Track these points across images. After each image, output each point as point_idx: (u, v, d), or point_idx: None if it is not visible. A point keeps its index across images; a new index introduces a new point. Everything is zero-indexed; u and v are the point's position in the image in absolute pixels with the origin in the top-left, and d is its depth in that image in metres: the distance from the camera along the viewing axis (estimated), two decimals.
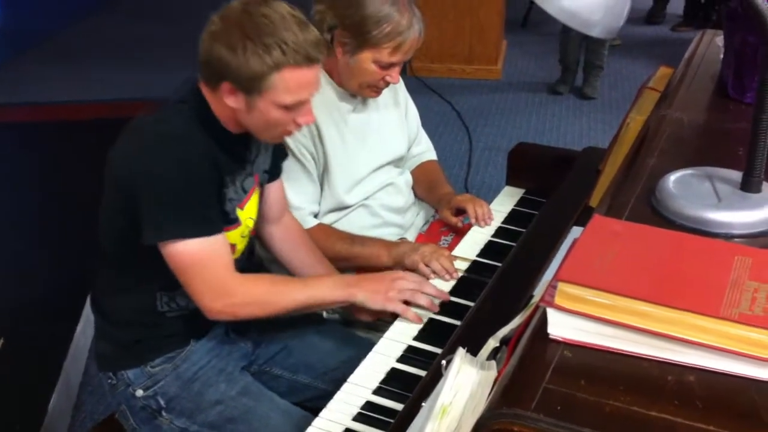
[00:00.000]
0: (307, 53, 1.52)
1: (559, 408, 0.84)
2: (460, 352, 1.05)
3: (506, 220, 2.14)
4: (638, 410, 0.84)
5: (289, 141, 1.98)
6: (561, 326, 0.92)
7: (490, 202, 2.26)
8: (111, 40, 6.39)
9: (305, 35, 1.52)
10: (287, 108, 1.55)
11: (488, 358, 1.12)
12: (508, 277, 1.76)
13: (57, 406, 2.46)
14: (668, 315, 0.88)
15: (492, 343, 1.13)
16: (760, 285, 0.91)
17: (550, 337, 0.93)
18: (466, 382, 0.99)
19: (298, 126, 1.62)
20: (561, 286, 0.90)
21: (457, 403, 0.96)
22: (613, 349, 0.91)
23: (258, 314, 1.65)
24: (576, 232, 1.82)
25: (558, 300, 0.91)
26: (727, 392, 0.88)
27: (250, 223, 1.76)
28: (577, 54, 5.13)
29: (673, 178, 1.25)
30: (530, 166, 2.33)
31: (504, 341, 1.15)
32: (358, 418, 1.47)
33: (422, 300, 1.72)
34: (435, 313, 1.72)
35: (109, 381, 1.74)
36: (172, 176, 1.52)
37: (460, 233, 2.13)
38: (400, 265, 1.97)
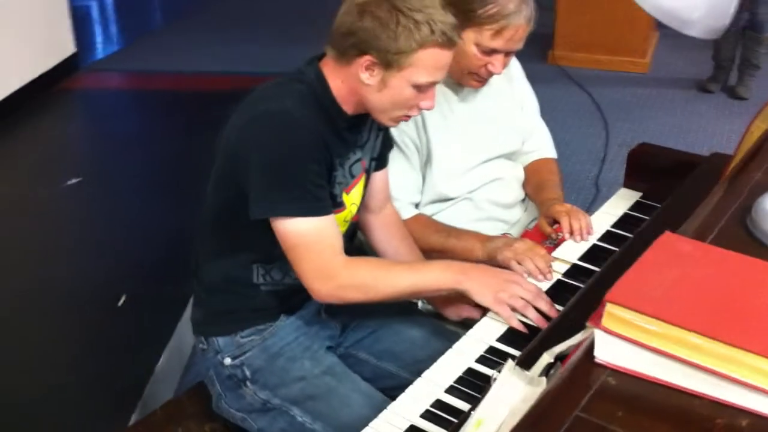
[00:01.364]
0: (451, 35, 1.54)
1: None
2: (509, 364, 1.01)
3: (616, 224, 2.04)
4: None
5: (393, 129, 1.96)
6: (608, 350, 0.87)
7: None
8: (267, 12, 6.56)
9: (448, 17, 1.54)
10: (419, 88, 1.56)
11: (541, 374, 1.07)
12: (602, 284, 1.67)
13: (164, 367, 2.57)
14: (721, 351, 0.82)
15: (546, 357, 1.09)
16: None
17: (596, 360, 0.88)
18: (509, 397, 0.96)
19: (419, 110, 1.63)
20: (609, 307, 0.85)
21: (495, 417, 0.92)
22: (660, 380, 0.85)
23: (363, 298, 1.65)
24: None
25: (605, 322, 0.86)
26: None
27: (354, 209, 1.77)
28: (732, 51, 4.85)
29: None
30: (650, 169, 2.22)
31: (560, 357, 1.10)
32: (426, 415, 1.45)
33: (531, 314, 1.64)
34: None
35: (201, 346, 1.80)
36: (286, 153, 1.55)
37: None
38: (492, 260, 1.92)
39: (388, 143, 1.89)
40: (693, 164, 2.16)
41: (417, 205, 2.07)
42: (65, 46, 5.35)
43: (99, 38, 6.60)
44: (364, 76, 1.56)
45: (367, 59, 1.54)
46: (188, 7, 6.86)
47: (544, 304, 1.65)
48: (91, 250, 3.41)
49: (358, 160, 1.74)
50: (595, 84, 5.04)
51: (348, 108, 1.64)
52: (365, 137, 1.76)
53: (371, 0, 1.52)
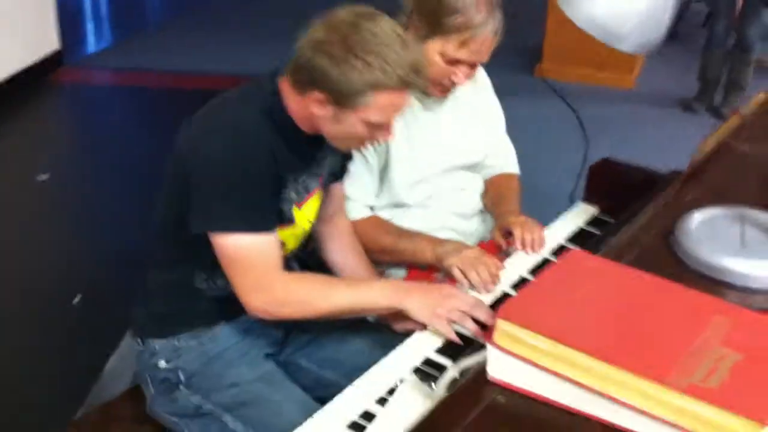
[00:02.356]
0: (406, 76, 1.51)
1: None
2: (410, 378, 0.98)
3: (570, 239, 2.01)
4: None
5: None
6: (500, 367, 0.84)
7: None
8: (260, 12, 6.53)
9: (407, 57, 1.51)
10: (373, 125, 1.55)
11: (448, 389, 1.04)
12: None
13: (113, 368, 2.54)
14: (611, 373, 0.78)
15: (452, 372, 1.05)
16: (728, 353, 0.80)
17: (488, 377, 0.85)
18: (408, 412, 0.92)
19: (376, 141, 1.63)
20: (500, 323, 0.82)
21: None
22: (551, 401, 0.82)
23: (299, 315, 1.63)
24: None
25: (497, 338, 0.82)
26: None
27: (307, 225, 1.74)
28: (718, 71, 4.83)
29: (699, 216, 1.13)
30: (610, 185, 2.20)
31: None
32: (354, 426, 1.42)
33: (470, 325, 1.59)
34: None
35: (137, 347, 1.77)
36: (229, 165, 1.53)
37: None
38: (440, 264, 1.90)
39: (349, 155, 1.87)
40: (654, 181, 2.13)
41: (372, 209, 2.05)
42: (49, 42, 5.31)
43: (87, 35, 6.56)
44: (316, 109, 1.54)
45: (318, 95, 1.52)
46: (182, 6, 6.82)
47: (483, 314, 1.60)
48: (51, 248, 3.38)
49: (315, 175, 1.72)
50: (580, 99, 5.01)
51: (305, 127, 1.62)
52: (326, 153, 1.73)
53: (326, 37, 1.50)
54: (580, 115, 4.79)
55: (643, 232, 1.15)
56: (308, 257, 2.04)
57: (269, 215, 1.59)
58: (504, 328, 0.82)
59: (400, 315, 1.81)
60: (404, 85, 1.51)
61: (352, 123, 1.54)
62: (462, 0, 1.82)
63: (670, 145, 4.48)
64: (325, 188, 1.81)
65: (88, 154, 4.31)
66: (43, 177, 3.90)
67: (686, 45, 5.90)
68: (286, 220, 1.65)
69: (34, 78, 5.07)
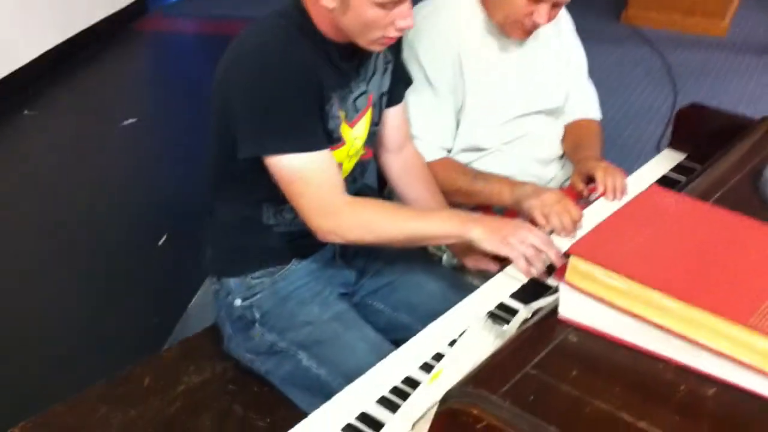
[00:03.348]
0: None
1: (531, 398, 0.74)
2: (481, 318, 0.96)
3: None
4: (624, 417, 0.73)
5: (428, 68, 1.91)
6: (572, 307, 0.82)
7: None
8: None
9: None
10: (382, 5, 1.48)
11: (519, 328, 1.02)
12: None
13: (197, 305, 2.59)
14: (690, 314, 0.75)
15: (524, 313, 1.03)
16: None
17: (559, 317, 0.82)
18: (476, 351, 0.91)
19: (399, 30, 1.54)
20: (573, 260, 0.79)
21: (455, 370, 0.88)
22: (624, 341, 0.79)
23: (367, 239, 1.60)
24: None
25: (569, 276, 0.80)
26: (746, 416, 0.74)
27: (358, 144, 1.72)
28: None
29: None
30: (698, 131, 2.10)
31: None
32: (424, 367, 1.41)
33: (539, 264, 1.54)
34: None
35: (214, 286, 1.79)
36: (269, 88, 1.50)
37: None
38: (518, 207, 1.84)
39: (402, 77, 1.83)
40: (744, 127, 2.03)
41: (449, 152, 2.01)
42: None
43: None
44: (326, 1, 1.50)
45: None
46: None
47: (555, 255, 1.54)
48: (137, 190, 3.46)
49: (363, 93, 1.68)
50: (668, 46, 4.83)
51: (337, 37, 1.58)
52: (371, 70, 1.70)
53: None
54: (669, 63, 4.62)
55: (729, 174, 1.10)
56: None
57: (317, 133, 1.55)
58: (577, 265, 0.79)
59: (474, 251, 1.79)
60: None
61: (361, 6, 1.47)
62: None
63: (763, 94, 4.30)
64: (380, 110, 1.76)
65: (171, 100, 4.38)
66: (130, 121, 3.98)
67: None
68: (335, 139, 1.62)
69: (118, 26, 5.16)
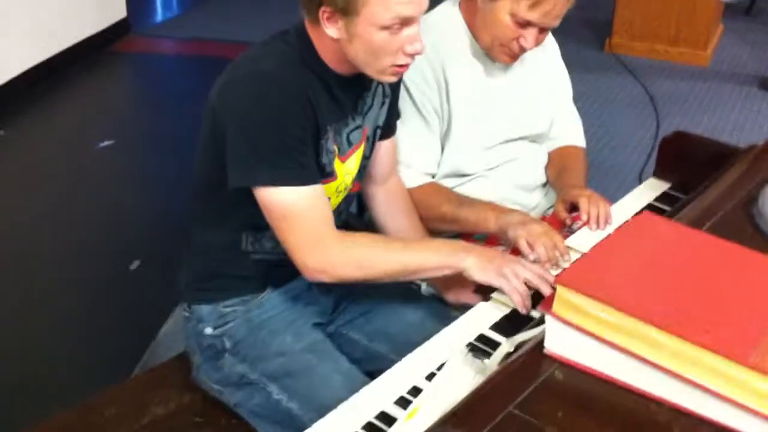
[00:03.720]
0: None
1: None
2: (461, 351, 0.90)
3: (638, 214, 1.90)
4: None
5: (414, 92, 1.88)
6: (559, 340, 0.76)
7: None
8: None
9: None
10: (389, 29, 1.43)
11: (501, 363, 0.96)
12: None
13: (168, 332, 2.52)
14: (684, 350, 0.69)
15: (506, 347, 0.97)
16: None
17: (544, 352, 0.76)
18: (455, 387, 0.85)
19: (408, 55, 1.49)
20: (560, 290, 0.73)
21: (432, 408, 0.82)
22: (613, 379, 0.73)
23: (357, 276, 1.54)
24: None
25: (556, 307, 0.74)
26: None
27: (349, 180, 1.67)
28: None
29: None
30: (683, 159, 2.07)
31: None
32: (402, 401, 1.35)
33: (544, 287, 1.47)
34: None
35: (184, 313, 1.73)
36: (266, 116, 1.45)
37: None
38: (504, 235, 1.80)
39: (395, 112, 1.79)
40: (729, 156, 2.00)
41: (433, 177, 1.97)
42: (116, 10, 5.33)
43: (154, 4, 6.59)
44: (330, 30, 1.46)
45: (324, 11, 1.44)
46: None
47: (548, 289, 1.49)
48: (111, 213, 3.39)
49: (359, 127, 1.64)
50: (651, 75, 4.83)
51: (340, 68, 1.54)
52: (369, 103, 1.66)
53: None
54: (652, 92, 4.61)
55: (721, 201, 1.06)
56: (363, 228, 1.98)
57: (311, 166, 1.50)
58: (564, 296, 0.73)
59: (455, 284, 1.74)
60: None
61: (367, 32, 1.42)
62: None
63: (745, 124, 4.30)
64: (372, 144, 1.72)
65: (152, 122, 4.31)
66: (107, 143, 3.91)
67: (764, 21, 5.65)
68: (327, 173, 1.57)
69: (99, 47, 5.10)
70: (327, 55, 1.52)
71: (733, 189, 1.09)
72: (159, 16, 6.21)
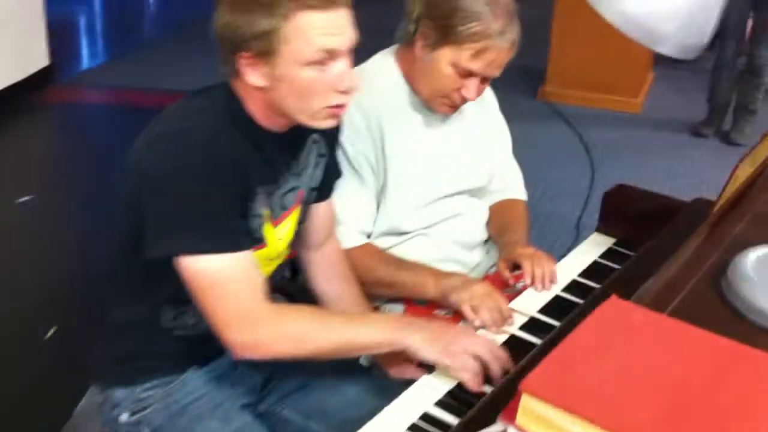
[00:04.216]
0: None
1: None
2: None
3: (584, 273, 1.82)
4: None
5: (347, 146, 1.78)
6: None
7: None
8: None
9: None
10: (315, 66, 1.32)
11: None
12: (555, 343, 1.44)
13: (85, 409, 2.32)
14: None
15: None
16: None
17: None
18: None
19: (341, 93, 1.37)
20: (525, 399, 0.62)
21: None
22: None
23: (291, 353, 1.40)
24: None
25: (520, 419, 0.63)
26: None
27: (281, 246, 1.54)
28: (728, 95, 4.67)
29: (754, 255, 0.94)
30: (627, 213, 2.01)
31: None
32: None
33: (494, 366, 1.38)
34: None
35: (97, 398, 1.57)
36: (188, 179, 1.32)
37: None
38: (445, 300, 1.71)
39: (334, 171, 1.68)
40: (674, 210, 1.95)
41: (369, 236, 1.86)
42: (38, 58, 5.14)
43: (80, 51, 6.41)
44: (253, 77, 1.34)
45: (242, 58, 1.33)
46: (180, 24, 6.67)
47: (497, 368, 1.40)
48: (26, 274, 3.18)
49: (293, 189, 1.52)
50: (585, 123, 4.85)
51: (272, 124, 1.42)
52: (303, 163, 1.54)
53: None
54: (586, 140, 4.62)
55: (686, 274, 0.97)
56: (298, 293, 1.86)
57: (240, 232, 1.37)
58: (529, 405, 0.63)
59: (397, 358, 1.62)
60: (324, 3, 1.29)
61: (292, 72, 1.32)
62: (477, 6, 1.66)
63: (680, 170, 4.32)
64: (307, 206, 1.61)
65: (75, 176, 4.12)
66: (25, 199, 3.70)
67: (694, 68, 5.74)
68: (256, 240, 1.45)
69: (21, 96, 4.89)
70: (256, 110, 1.41)
71: (696, 259, 1.01)
72: (85, 63, 6.04)
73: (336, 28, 1.32)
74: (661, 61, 5.55)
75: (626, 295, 1.50)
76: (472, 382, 1.37)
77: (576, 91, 5.13)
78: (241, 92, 1.40)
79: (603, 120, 4.94)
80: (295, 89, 1.34)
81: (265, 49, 1.30)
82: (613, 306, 0.76)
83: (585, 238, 3.48)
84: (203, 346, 1.49)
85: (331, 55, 1.33)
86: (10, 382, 2.56)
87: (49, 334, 2.72)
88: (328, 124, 1.42)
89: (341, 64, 1.35)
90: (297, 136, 1.49)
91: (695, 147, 4.65)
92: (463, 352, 1.38)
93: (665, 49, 1.10)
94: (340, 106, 1.39)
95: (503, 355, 1.41)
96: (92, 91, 5.42)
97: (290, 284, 1.97)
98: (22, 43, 4.98)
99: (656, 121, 5.00)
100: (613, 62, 5.00)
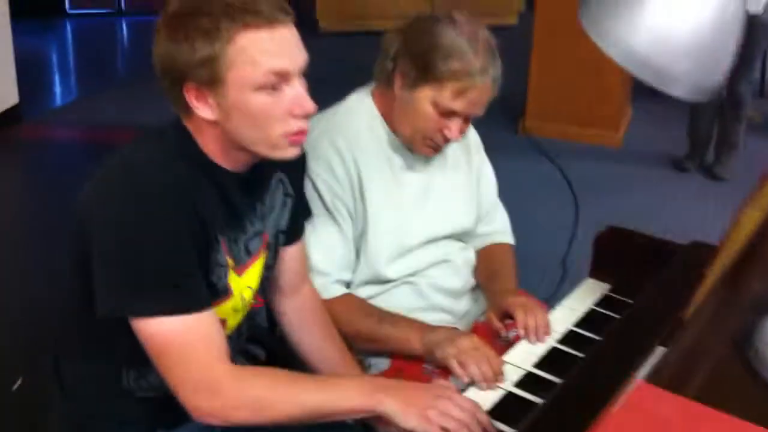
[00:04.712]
0: (259, 9, 1.21)
1: None
2: None
3: (580, 323, 1.72)
4: None
5: (323, 190, 1.69)
6: None
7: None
8: None
9: None
10: (266, 89, 1.23)
11: None
12: (561, 404, 1.34)
13: None
14: None
15: None
16: None
17: None
18: None
19: (300, 119, 1.28)
20: None
21: None
22: None
23: (254, 421, 1.29)
24: (660, 355, 1.42)
25: None
26: None
27: (248, 294, 1.43)
28: (708, 128, 4.63)
29: None
30: (621, 258, 1.92)
31: None
32: None
33: None
34: None
35: None
36: (136, 225, 1.21)
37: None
38: (431, 356, 1.62)
39: (303, 211, 1.59)
40: (670, 253, 1.86)
41: (348, 285, 1.76)
42: (6, 95, 5.01)
43: (50, 88, 6.29)
44: (203, 111, 1.25)
45: (188, 90, 1.24)
46: (149, 62, 6.57)
47: (483, 424, 1.30)
48: None
49: (258, 233, 1.42)
50: (566, 157, 4.77)
51: (230, 164, 1.32)
52: (269, 204, 1.45)
53: (161, 23, 1.24)
54: (568, 175, 4.55)
55: (705, 341, 0.87)
56: (277, 344, 1.75)
57: (198, 289, 1.27)
58: None
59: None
60: (266, 21, 1.21)
61: (241, 100, 1.23)
62: (458, 43, 1.59)
63: (662, 206, 4.25)
64: (275, 251, 1.51)
65: (42, 216, 3.97)
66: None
67: (673, 101, 5.68)
68: (220, 291, 1.34)
69: None
70: (213, 148, 1.30)
71: (714, 325, 0.91)
72: (56, 100, 5.91)
73: (283, 47, 1.24)
74: (638, 92, 5.52)
75: (629, 350, 1.42)
76: None
77: (556, 125, 5.07)
78: (193, 130, 1.30)
79: (584, 154, 4.88)
80: (250, 117, 1.25)
81: (210, 77, 1.21)
82: (642, 394, 0.67)
83: (571, 276, 3.40)
84: (171, 408, 1.37)
85: (283, 77, 1.24)
86: None
87: (16, 385, 2.58)
88: (291, 153, 1.32)
89: (295, 87, 1.26)
90: (260, 175, 1.40)
91: (679, 181, 4.59)
92: (440, 416, 1.28)
93: (678, 92, 1.02)
94: (300, 132, 1.30)
95: (484, 418, 1.31)
96: (63, 129, 5.29)
97: (269, 335, 1.86)
98: None
99: (638, 154, 4.94)
100: (591, 95, 4.95)
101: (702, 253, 1.79)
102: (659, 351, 1.42)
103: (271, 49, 1.22)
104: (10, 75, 5.02)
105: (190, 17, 1.21)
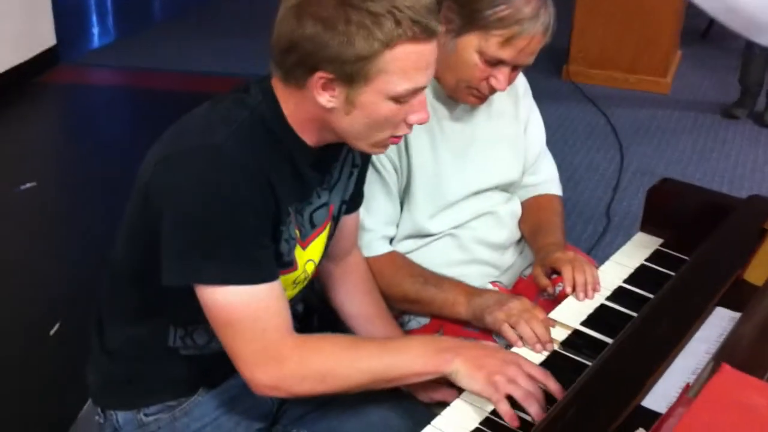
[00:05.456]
0: (426, 22, 1.15)
1: None
2: None
3: (630, 279, 1.65)
4: None
5: None
6: None
7: (630, 237, 1.79)
8: (271, 13, 6.19)
9: None
10: (399, 100, 1.19)
11: None
12: (612, 366, 1.27)
13: (91, 411, 2.19)
14: None
15: None
16: None
17: None
18: None
19: (410, 126, 1.26)
20: None
21: None
22: None
23: (319, 391, 1.26)
24: (719, 316, 1.35)
25: None
26: None
27: (310, 267, 1.40)
28: (761, 75, 4.47)
29: None
30: (674, 212, 1.83)
31: None
32: None
33: (533, 409, 1.22)
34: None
35: (97, 418, 1.44)
36: (213, 203, 1.17)
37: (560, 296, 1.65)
38: (478, 320, 1.57)
39: (363, 182, 1.53)
40: (726, 208, 1.77)
41: (391, 241, 1.70)
42: (44, 38, 4.98)
43: (87, 30, 6.24)
44: (323, 99, 1.19)
45: (319, 77, 1.17)
46: (187, 4, 6.49)
47: (554, 388, 1.26)
48: (27, 267, 3.03)
49: (324, 204, 1.37)
50: (611, 104, 4.65)
51: (310, 139, 1.27)
52: (336, 176, 1.40)
53: None
54: (613, 122, 4.42)
55: None
56: (318, 301, 1.71)
57: (267, 261, 1.23)
58: None
59: (429, 382, 1.47)
60: (426, 32, 1.16)
61: (373, 102, 1.18)
62: None
63: (710, 154, 4.14)
64: (336, 221, 1.46)
65: (80, 163, 3.96)
66: (28, 185, 3.56)
67: (723, 46, 5.52)
68: (284, 264, 1.30)
69: (26, 77, 4.73)
70: (298, 122, 1.25)
71: None
72: (94, 42, 5.87)
73: (430, 63, 1.20)
74: (687, 38, 5.34)
75: (686, 310, 1.36)
76: (508, 416, 1.22)
77: (601, 71, 4.93)
78: (284, 99, 1.25)
79: (631, 101, 4.75)
80: (370, 119, 1.21)
81: (351, 74, 1.16)
82: (728, 377, 0.60)
83: (616, 224, 3.32)
84: (214, 367, 1.36)
85: (418, 91, 1.21)
86: (15, 380, 2.44)
87: (54, 329, 2.59)
88: (381, 152, 1.34)
89: (421, 96, 1.23)
90: (333, 150, 1.35)
91: (727, 129, 4.45)
92: (508, 383, 1.23)
93: (766, 40, 0.94)
94: (400, 137, 1.28)
95: (555, 387, 1.27)
96: (101, 72, 5.26)
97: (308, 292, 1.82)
98: (27, 23, 4.82)
99: (686, 102, 4.80)
100: (638, 41, 4.80)
101: (761, 208, 1.71)
102: (718, 312, 1.36)
103: (421, 65, 1.18)
104: (47, 16, 4.98)
105: (353, 10, 1.13)
